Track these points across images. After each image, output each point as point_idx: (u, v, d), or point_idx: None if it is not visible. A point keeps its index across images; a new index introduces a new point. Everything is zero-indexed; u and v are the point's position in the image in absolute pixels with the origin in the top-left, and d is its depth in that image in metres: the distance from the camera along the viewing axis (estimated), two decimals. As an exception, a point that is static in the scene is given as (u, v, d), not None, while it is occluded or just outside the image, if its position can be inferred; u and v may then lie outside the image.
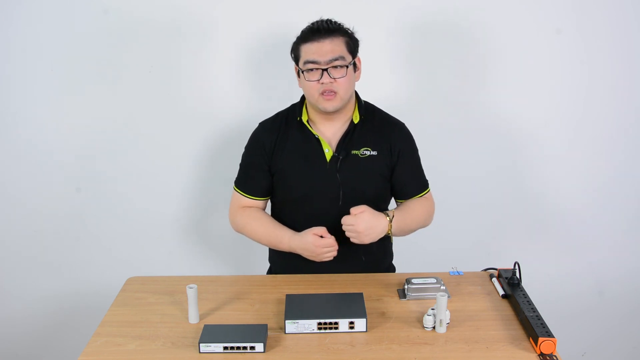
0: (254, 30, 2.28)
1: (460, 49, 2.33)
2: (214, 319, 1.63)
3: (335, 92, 1.80)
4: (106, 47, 2.29)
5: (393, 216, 1.81)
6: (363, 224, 1.74)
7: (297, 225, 1.89)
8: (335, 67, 1.78)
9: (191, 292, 1.58)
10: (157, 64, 2.32)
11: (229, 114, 2.36)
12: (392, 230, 1.81)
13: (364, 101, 1.95)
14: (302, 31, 1.83)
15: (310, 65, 1.79)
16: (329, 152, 1.88)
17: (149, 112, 2.37)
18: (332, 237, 1.80)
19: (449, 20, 2.29)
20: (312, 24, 1.82)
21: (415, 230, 1.94)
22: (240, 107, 2.35)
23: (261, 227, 1.92)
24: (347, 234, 1.77)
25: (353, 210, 1.77)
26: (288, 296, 1.66)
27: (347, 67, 1.80)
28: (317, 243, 1.78)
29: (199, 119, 2.39)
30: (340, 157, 1.87)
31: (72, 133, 2.38)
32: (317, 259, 1.81)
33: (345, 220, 1.76)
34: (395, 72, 2.36)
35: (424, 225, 1.98)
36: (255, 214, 1.95)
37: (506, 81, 2.36)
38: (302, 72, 1.81)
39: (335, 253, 1.81)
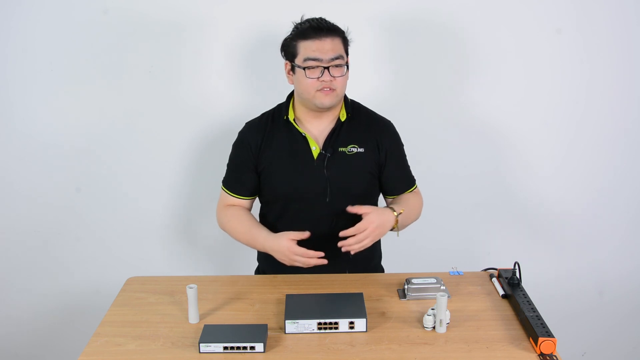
0: (253, 30, 2.29)
1: (460, 49, 2.33)
2: (214, 319, 1.63)
3: (333, 89, 1.81)
4: (106, 46, 2.29)
5: (400, 213, 1.81)
6: (374, 224, 1.74)
7: (285, 223, 1.90)
8: (336, 66, 1.79)
9: (191, 292, 1.58)
10: (157, 63, 2.32)
11: (232, 114, 2.36)
12: (398, 224, 1.82)
13: (350, 99, 1.96)
14: (298, 28, 1.84)
15: (312, 63, 1.79)
16: (316, 150, 1.89)
17: (150, 111, 2.37)
18: (308, 251, 1.74)
19: (449, 20, 2.30)
20: (310, 21, 1.83)
21: (408, 225, 1.94)
22: (244, 107, 2.35)
23: (239, 225, 1.92)
24: (361, 244, 1.73)
25: (355, 209, 1.76)
26: (288, 296, 1.66)
27: (345, 66, 1.82)
28: (292, 249, 1.75)
29: (200, 118, 2.39)
30: (328, 155, 1.88)
31: (72, 133, 2.38)
32: (288, 263, 1.79)
33: (360, 227, 1.72)
34: (395, 72, 2.36)
35: (417, 219, 1.99)
36: (237, 212, 1.95)
37: (506, 81, 2.37)
38: (303, 68, 1.81)
39: (305, 264, 1.76)
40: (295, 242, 1.76)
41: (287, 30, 1.87)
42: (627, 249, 2.57)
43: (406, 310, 1.66)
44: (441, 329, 1.54)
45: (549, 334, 1.46)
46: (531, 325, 1.50)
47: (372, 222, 1.73)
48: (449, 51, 2.34)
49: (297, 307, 1.60)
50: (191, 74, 2.34)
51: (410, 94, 2.38)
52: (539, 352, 1.45)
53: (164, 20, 2.27)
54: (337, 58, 1.80)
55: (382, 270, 2.09)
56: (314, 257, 1.75)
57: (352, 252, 1.75)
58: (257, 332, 1.51)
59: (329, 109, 1.86)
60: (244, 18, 2.28)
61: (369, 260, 2.03)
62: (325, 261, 1.75)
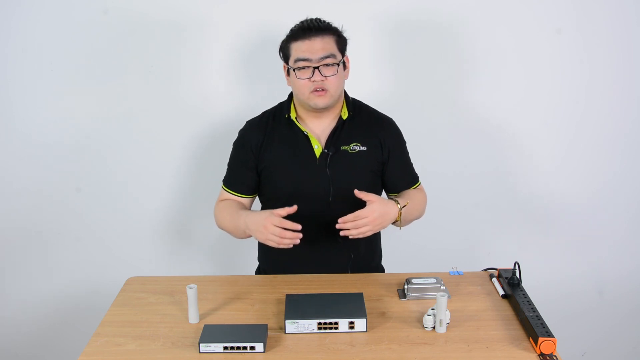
0: (253, 30, 2.29)
1: (460, 49, 2.33)
2: (214, 319, 1.63)
3: (325, 90, 1.80)
4: (106, 46, 2.30)
5: (404, 206, 1.79)
6: (375, 213, 1.71)
7: None
8: (327, 65, 1.79)
9: (191, 292, 1.58)
10: (157, 63, 2.32)
11: (232, 114, 2.36)
12: (401, 218, 1.80)
13: (352, 98, 1.96)
14: (292, 30, 1.85)
15: (302, 63, 1.79)
16: (318, 149, 1.89)
17: (150, 111, 2.37)
18: (287, 230, 1.68)
19: (449, 20, 2.30)
20: (302, 22, 1.83)
21: (412, 221, 1.93)
22: (244, 107, 2.35)
23: (226, 212, 1.91)
24: (359, 230, 1.70)
25: (361, 194, 1.73)
26: (288, 296, 1.66)
27: (337, 65, 1.81)
28: (271, 219, 1.69)
29: (200, 118, 2.39)
30: (330, 153, 1.87)
31: (72, 133, 2.38)
32: (261, 239, 1.73)
33: (360, 214, 1.70)
34: (395, 72, 2.36)
35: (421, 215, 1.98)
36: (228, 203, 1.94)
37: (506, 81, 2.37)
38: (293, 70, 1.81)
39: (278, 243, 1.69)
40: (279, 217, 1.69)
41: (287, 31, 1.87)
42: (627, 248, 2.58)
43: (406, 310, 1.66)
44: (441, 329, 1.54)
45: (549, 334, 1.46)
46: (531, 325, 1.50)
47: (374, 211, 1.71)
48: (449, 51, 2.34)
49: (297, 307, 1.60)
50: (191, 74, 2.34)
51: (410, 94, 2.38)
52: (539, 352, 1.45)
53: (164, 20, 2.27)
54: (327, 57, 1.79)
55: (382, 270, 2.09)
56: (289, 238, 1.69)
57: (350, 237, 1.73)
58: (257, 332, 1.51)
59: (326, 108, 1.86)
60: (244, 18, 2.28)
61: (370, 260, 2.03)
62: (300, 235, 1.69)
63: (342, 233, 1.73)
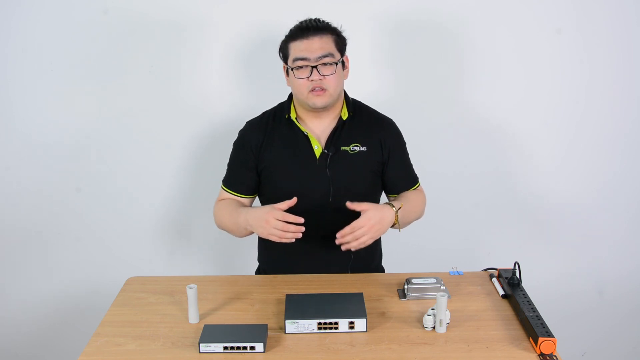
0: (253, 30, 2.29)
1: (460, 49, 2.33)
2: (214, 319, 1.63)
3: (324, 89, 1.81)
4: (106, 46, 2.30)
5: (399, 208, 1.79)
6: (372, 221, 1.72)
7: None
8: (325, 64, 1.80)
9: (191, 292, 1.58)
10: (157, 63, 2.32)
11: (232, 114, 2.36)
12: (398, 220, 1.80)
13: (352, 98, 1.96)
14: (291, 30, 1.85)
15: (300, 63, 1.80)
16: (318, 149, 1.89)
17: (150, 111, 2.37)
18: (289, 224, 1.68)
19: (449, 20, 2.30)
20: (301, 22, 1.84)
21: (412, 222, 1.94)
22: (244, 107, 2.35)
23: (225, 210, 1.91)
24: (359, 241, 1.70)
25: (354, 206, 1.73)
26: (288, 296, 1.66)
27: (336, 64, 1.81)
28: (273, 213, 1.69)
29: (200, 118, 2.39)
30: (330, 154, 1.87)
31: (72, 133, 2.38)
32: (263, 234, 1.72)
33: (357, 225, 1.70)
34: (395, 72, 2.36)
35: (420, 216, 1.98)
36: (227, 202, 1.94)
37: (506, 81, 2.37)
38: (292, 69, 1.82)
39: (281, 236, 1.69)
40: (281, 211, 1.69)
41: (287, 31, 1.87)
42: (627, 248, 2.58)
43: (406, 310, 1.66)
44: (441, 329, 1.54)
45: (549, 334, 1.46)
46: (531, 325, 1.50)
47: (370, 219, 1.72)
48: (449, 51, 2.34)
49: (297, 307, 1.60)
50: (191, 74, 2.34)
51: (410, 94, 2.38)
52: (539, 352, 1.45)
53: (164, 20, 2.27)
54: (325, 56, 1.79)
55: (382, 270, 2.09)
56: (291, 232, 1.69)
57: (352, 250, 1.73)
58: (257, 332, 1.51)
59: (325, 108, 1.86)
60: (244, 18, 2.28)
61: (370, 261, 2.03)
62: (302, 228, 1.68)
63: (343, 247, 1.73)
